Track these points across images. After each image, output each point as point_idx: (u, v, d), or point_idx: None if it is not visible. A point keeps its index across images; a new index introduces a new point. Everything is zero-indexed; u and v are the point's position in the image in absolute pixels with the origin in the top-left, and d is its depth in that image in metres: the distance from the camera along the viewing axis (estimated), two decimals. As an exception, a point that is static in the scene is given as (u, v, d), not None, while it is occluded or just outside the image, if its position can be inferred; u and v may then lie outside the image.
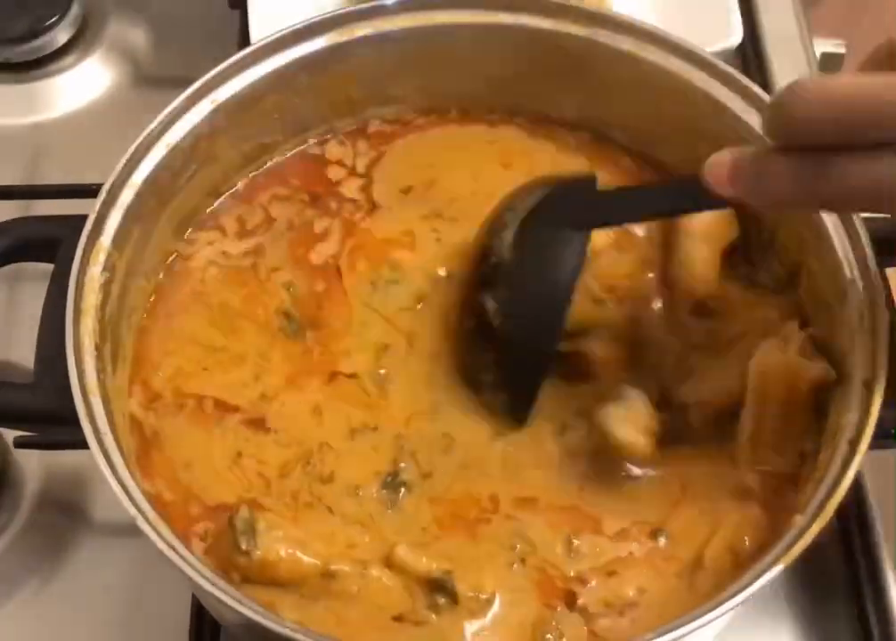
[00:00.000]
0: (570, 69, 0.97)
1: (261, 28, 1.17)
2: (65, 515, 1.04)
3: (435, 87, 1.01)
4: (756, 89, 0.91)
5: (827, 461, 0.79)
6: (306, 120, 1.01)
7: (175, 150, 0.92)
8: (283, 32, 0.95)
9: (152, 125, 0.91)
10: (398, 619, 0.82)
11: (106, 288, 0.86)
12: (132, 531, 0.76)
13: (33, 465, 1.06)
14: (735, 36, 1.18)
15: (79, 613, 1.00)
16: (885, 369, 0.80)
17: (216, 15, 1.31)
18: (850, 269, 0.85)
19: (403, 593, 0.82)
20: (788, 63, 1.26)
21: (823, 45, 1.29)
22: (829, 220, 0.87)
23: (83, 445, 0.79)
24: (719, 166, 0.75)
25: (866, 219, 0.86)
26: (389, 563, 0.83)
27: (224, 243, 0.99)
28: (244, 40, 1.18)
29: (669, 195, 0.87)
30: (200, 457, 0.89)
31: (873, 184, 0.69)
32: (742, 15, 1.20)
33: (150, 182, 0.91)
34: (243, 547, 0.81)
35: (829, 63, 1.29)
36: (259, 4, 1.20)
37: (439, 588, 0.82)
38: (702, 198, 0.78)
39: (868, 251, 0.85)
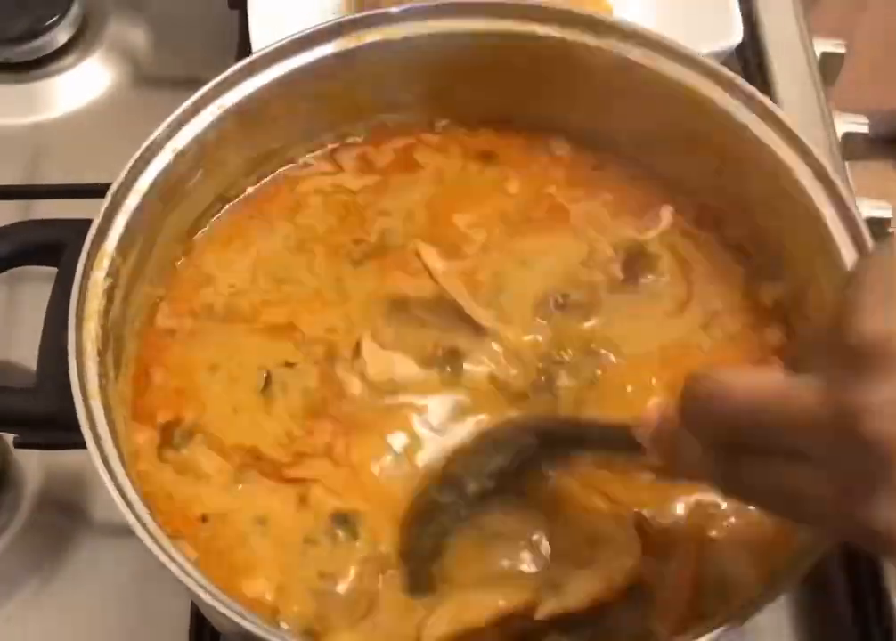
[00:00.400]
0: (578, 78, 0.97)
1: (261, 28, 1.17)
2: (65, 515, 1.05)
3: (443, 94, 1.01)
4: (765, 100, 0.91)
5: None
6: (314, 126, 1.00)
7: (181, 156, 0.91)
8: (291, 38, 0.95)
9: (158, 131, 0.90)
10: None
11: (109, 293, 0.86)
12: (132, 531, 0.76)
13: (33, 465, 1.06)
14: (735, 36, 1.18)
15: (79, 613, 1.01)
16: None
17: (216, 15, 1.31)
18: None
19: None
20: (788, 63, 1.26)
21: (823, 45, 1.29)
22: (837, 234, 0.86)
23: (83, 445, 0.79)
24: (646, 424, 0.75)
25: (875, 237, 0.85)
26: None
27: (340, 177, 1.01)
28: (244, 40, 1.18)
29: (606, 436, 0.85)
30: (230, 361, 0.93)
31: (774, 490, 0.66)
32: (742, 15, 1.19)
33: (156, 187, 0.90)
34: (175, 441, 0.88)
35: (829, 63, 1.29)
36: (259, 4, 1.20)
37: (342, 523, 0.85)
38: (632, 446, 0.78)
39: None
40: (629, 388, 0.91)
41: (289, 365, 0.92)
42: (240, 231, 0.99)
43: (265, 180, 1.01)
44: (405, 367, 0.91)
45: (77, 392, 0.80)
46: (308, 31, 0.95)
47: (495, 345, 0.91)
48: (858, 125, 1.25)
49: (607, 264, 0.94)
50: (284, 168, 1.02)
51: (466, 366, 0.91)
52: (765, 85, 1.23)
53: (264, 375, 0.92)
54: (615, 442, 0.82)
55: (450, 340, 0.92)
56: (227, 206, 1.00)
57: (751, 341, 0.93)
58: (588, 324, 0.93)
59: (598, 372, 0.91)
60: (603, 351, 0.92)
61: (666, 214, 0.93)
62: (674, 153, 0.97)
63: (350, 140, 1.03)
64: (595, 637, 0.81)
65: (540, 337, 0.92)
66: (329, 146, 1.03)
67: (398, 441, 0.89)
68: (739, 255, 0.96)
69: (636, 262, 0.94)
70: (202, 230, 0.99)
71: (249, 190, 1.01)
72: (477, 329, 0.92)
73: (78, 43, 1.31)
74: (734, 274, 0.96)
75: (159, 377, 0.92)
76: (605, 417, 0.88)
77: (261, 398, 0.91)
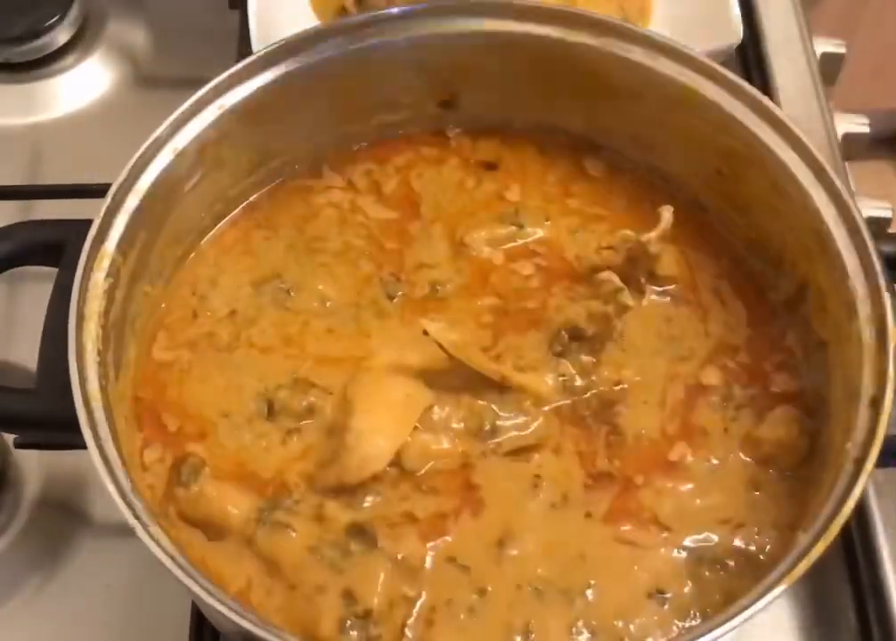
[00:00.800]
0: (578, 79, 0.97)
1: (261, 28, 1.17)
2: (65, 516, 1.04)
3: (444, 95, 1.01)
4: (765, 100, 0.91)
5: (832, 480, 0.79)
6: (314, 126, 1.00)
7: (181, 156, 0.91)
8: (291, 38, 0.94)
9: (159, 131, 0.90)
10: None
11: (110, 293, 0.86)
12: (132, 531, 0.76)
13: (33, 465, 1.06)
14: (735, 36, 1.18)
15: (79, 613, 1.00)
16: (893, 387, 0.79)
17: (216, 15, 1.31)
18: (858, 284, 0.85)
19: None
20: (788, 63, 1.26)
21: (823, 45, 1.29)
22: (838, 234, 0.87)
23: (83, 445, 0.79)
24: None
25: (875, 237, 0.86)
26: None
27: (357, 197, 1.01)
28: (244, 40, 1.18)
29: None
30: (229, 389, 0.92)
31: None
32: (742, 15, 1.19)
33: (156, 187, 0.90)
34: (183, 478, 0.86)
35: (829, 63, 1.29)
36: (259, 4, 1.20)
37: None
38: None
39: (877, 266, 0.84)
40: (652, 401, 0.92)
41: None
42: (244, 242, 0.99)
43: (271, 186, 1.02)
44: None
45: (78, 392, 0.80)
46: (308, 31, 0.95)
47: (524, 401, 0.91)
48: (858, 125, 1.26)
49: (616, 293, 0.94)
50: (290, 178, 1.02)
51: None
52: (765, 85, 1.23)
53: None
54: None
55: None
56: (229, 216, 1.00)
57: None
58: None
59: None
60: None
61: (666, 214, 0.93)
62: (674, 153, 0.98)
63: (355, 147, 1.03)
64: None
65: (562, 377, 0.92)
66: (333, 153, 1.03)
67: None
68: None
69: (637, 264, 0.94)
70: (204, 239, 0.99)
71: (253, 197, 1.01)
72: (502, 389, 0.91)
73: (78, 43, 1.32)
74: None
75: (161, 418, 0.92)
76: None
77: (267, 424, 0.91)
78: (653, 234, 0.93)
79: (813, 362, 0.91)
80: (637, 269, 0.94)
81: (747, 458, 0.89)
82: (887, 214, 1.17)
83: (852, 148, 1.24)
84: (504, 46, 0.97)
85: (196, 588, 0.75)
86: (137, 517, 0.76)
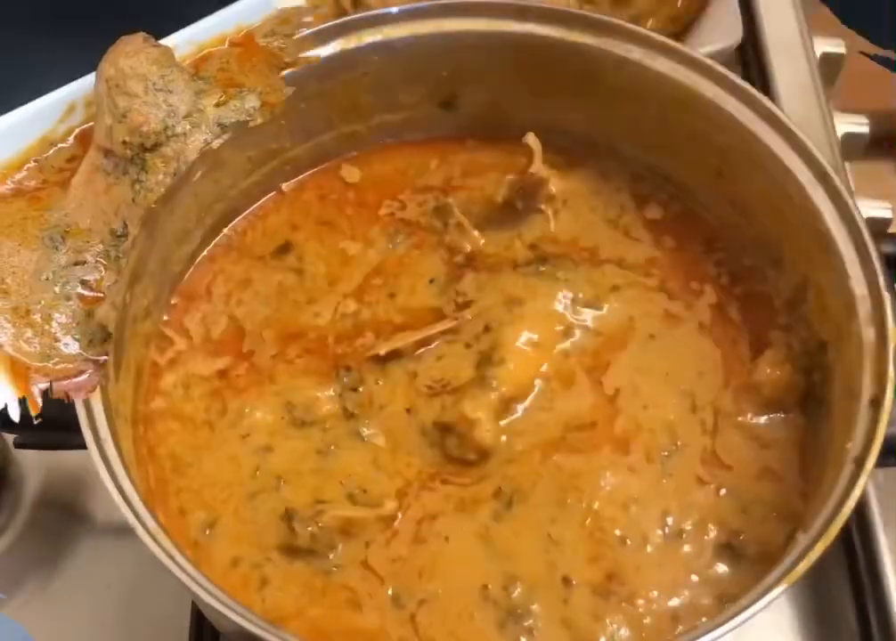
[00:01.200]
0: (578, 79, 0.97)
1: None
2: (65, 515, 1.05)
3: (444, 95, 1.01)
4: (765, 100, 0.91)
5: (833, 479, 0.79)
6: (314, 126, 1.00)
7: (181, 155, 0.91)
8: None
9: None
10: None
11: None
12: (132, 531, 0.76)
13: (33, 465, 1.07)
14: (735, 36, 1.18)
15: (79, 613, 1.01)
16: (893, 387, 0.80)
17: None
18: (858, 284, 0.85)
19: None
20: (788, 63, 1.25)
21: (823, 45, 1.29)
22: (838, 234, 0.87)
23: (83, 446, 0.79)
24: None
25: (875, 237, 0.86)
26: None
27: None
28: (240, 40, 1.18)
29: None
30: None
31: None
32: (742, 15, 1.19)
33: (156, 187, 0.90)
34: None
35: (829, 63, 1.29)
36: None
37: None
38: None
39: (877, 266, 0.84)
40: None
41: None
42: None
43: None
44: None
45: (78, 394, 0.80)
46: (309, 32, 0.95)
47: None
48: (858, 125, 1.25)
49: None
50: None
51: None
52: (765, 85, 1.23)
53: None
54: None
55: None
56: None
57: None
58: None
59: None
60: None
61: (532, 141, 0.96)
62: (675, 154, 0.98)
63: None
64: None
65: None
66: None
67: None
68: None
69: (534, 191, 0.98)
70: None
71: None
72: None
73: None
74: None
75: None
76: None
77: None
78: (536, 164, 0.96)
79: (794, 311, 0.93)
80: (536, 195, 0.98)
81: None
82: (887, 214, 1.17)
83: (852, 148, 1.24)
84: (504, 46, 0.97)
85: (196, 588, 0.75)
86: (137, 517, 0.77)
